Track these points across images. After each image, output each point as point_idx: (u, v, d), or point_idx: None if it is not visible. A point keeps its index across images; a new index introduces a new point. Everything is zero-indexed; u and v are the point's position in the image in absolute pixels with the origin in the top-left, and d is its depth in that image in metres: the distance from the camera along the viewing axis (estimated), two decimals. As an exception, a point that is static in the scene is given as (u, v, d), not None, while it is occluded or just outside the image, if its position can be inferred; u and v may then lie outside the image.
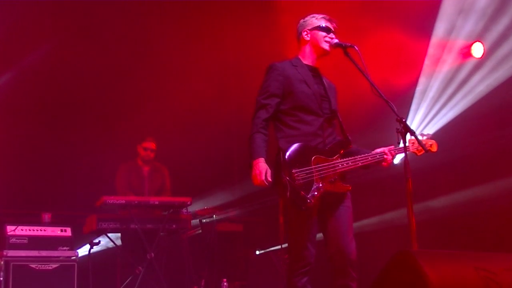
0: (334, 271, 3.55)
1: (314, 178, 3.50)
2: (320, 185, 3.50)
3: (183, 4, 7.89)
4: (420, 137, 3.79)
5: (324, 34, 3.77)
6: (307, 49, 3.83)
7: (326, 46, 3.76)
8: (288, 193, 3.43)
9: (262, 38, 7.33)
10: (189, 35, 7.99)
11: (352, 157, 3.65)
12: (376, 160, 3.71)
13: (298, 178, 3.46)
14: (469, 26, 6.39)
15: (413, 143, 3.76)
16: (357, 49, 3.62)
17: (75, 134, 7.63)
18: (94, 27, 7.55)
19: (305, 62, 3.81)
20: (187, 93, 7.87)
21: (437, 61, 6.64)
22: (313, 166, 3.52)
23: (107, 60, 7.58)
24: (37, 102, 7.42)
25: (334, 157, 3.61)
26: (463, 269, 2.33)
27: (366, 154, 3.70)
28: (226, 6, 8.09)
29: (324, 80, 3.82)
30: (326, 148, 3.62)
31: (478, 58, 6.42)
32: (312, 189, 3.47)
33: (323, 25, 3.79)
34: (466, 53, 6.53)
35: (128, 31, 7.67)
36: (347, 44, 3.68)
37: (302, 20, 3.90)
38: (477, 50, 6.42)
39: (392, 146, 3.75)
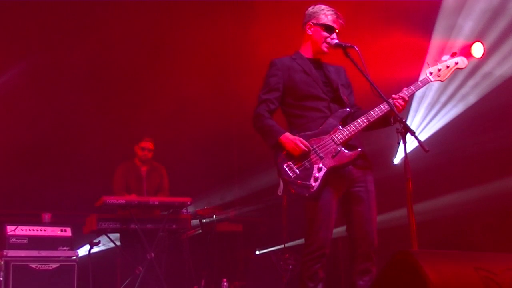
0: (357, 255, 3.55)
1: (313, 161, 3.49)
2: (321, 165, 3.48)
3: (182, 3, 7.88)
4: (440, 63, 3.63)
5: (326, 34, 3.73)
6: (308, 44, 3.81)
7: (325, 48, 3.75)
8: (282, 189, 3.45)
9: (263, 36, 7.32)
10: (189, 34, 7.98)
11: (355, 121, 3.55)
12: (385, 110, 3.53)
13: (293, 170, 3.47)
14: (469, 26, 6.39)
15: (430, 72, 3.62)
16: (357, 49, 3.61)
17: (75, 134, 7.64)
18: (93, 27, 7.55)
19: (306, 55, 3.80)
20: (187, 93, 7.87)
21: (437, 61, 6.63)
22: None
23: (107, 60, 7.58)
24: (37, 102, 7.43)
25: (332, 131, 3.56)
26: (463, 269, 2.33)
27: (370, 111, 3.54)
28: (225, 4, 8.10)
29: (326, 69, 3.80)
30: (320, 127, 3.58)
31: (478, 58, 6.42)
32: (313, 172, 3.46)
33: (329, 24, 3.74)
34: (466, 53, 6.52)
35: (127, 32, 7.67)
36: (347, 44, 3.66)
37: (310, 8, 3.83)
38: (477, 50, 6.42)
39: (404, 88, 3.62)
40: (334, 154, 3.51)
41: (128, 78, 7.86)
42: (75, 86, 7.64)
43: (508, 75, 6.05)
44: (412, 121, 6.58)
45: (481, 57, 6.39)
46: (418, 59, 6.72)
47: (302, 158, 3.49)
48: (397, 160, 6.81)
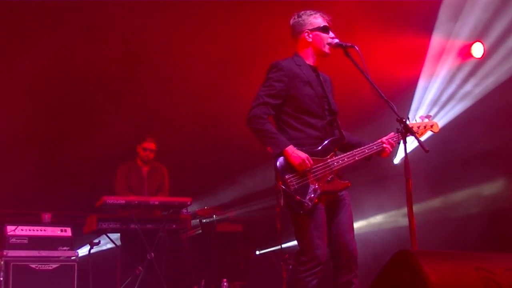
0: (338, 268, 3.57)
1: (309, 180, 3.51)
2: (316, 186, 3.51)
3: (184, 3, 7.88)
4: (419, 120, 3.84)
5: (326, 36, 3.74)
6: (309, 50, 3.79)
7: (327, 49, 3.76)
8: (283, 200, 3.46)
9: (263, 36, 7.32)
10: (189, 33, 7.98)
11: (348, 153, 3.65)
12: (375, 150, 3.71)
13: (292, 183, 3.49)
14: (469, 26, 6.39)
15: (411, 126, 3.74)
16: (357, 49, 3.61)
17: (75, 134, 7.63)
18: (95, 27, 7.55)
19: (307, 62, 3.79)
20: (187, 93, 7.87)
21: (437, 61, 6.65)
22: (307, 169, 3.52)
23: (107, 59, 7.57)
24: (37, 102, 7.42)
25: (328, 156, 3.61)
26: (463, 269, 2.33)
27: (363, 147, 3.70)
28: (228, 4, 8.10)
29: (321, 78, 3.81)
30: (319, 149, 3.61)
31: (478, 58, 6.42)
32: (309, 191, 3.49)
33: (324, 25, 3.76)
34: (466, 53, 6.53)
35: (128, 31, 7.67)
36: (348, 44, 3.67)
37: (297, 18, 3.83)
38: (477, 50, 6.42)
39: (392, 134, 3.74)
40: (329, 179, 3.57)
41: (128, 78, 7.86)
42: (75, 86, 7.64)
43: (508, 75, 6.05)
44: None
45: (481, 57, 6.40)
46: (418, 59, 6.73)
47: (301, 174, 3.51)
48: (397, 160, 6.81)
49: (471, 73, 6.43)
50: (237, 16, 7.98)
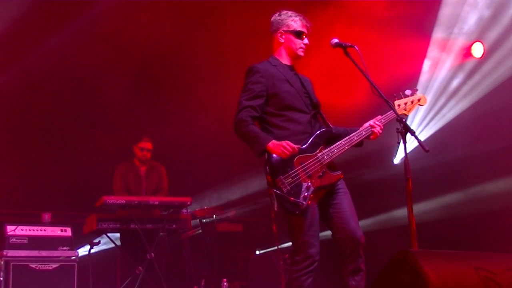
0: (346, 256, 3.54)
1: (301, 178, 3.49)
2: (309, 183, 3.49)
3: (183, 3, 7.89)
4: (404, 98, 3.81)
5: (299, 41, 3.78)
6: (283, 51, 3.84)
7: (301, 53, 3.81)
8: (276, 204, 3.44)
9: (263, 36, 7.31)
10: (188, 33, 7.98)
11: (337, 143, 3.62)
12: (364, 136, 3.68)
13: (284, 185, 3.47)
14: (469, 26, 6.39)
15: (398, 105, 3.75)
16: (357, 49, 3.62)
17: (75, 134, 7.64)
18: (95, 28, 7.55)
19: (283, 61, 3.82)
20: (187, 93, 7.86)
21: (437, 61, 6.65)
22: (297, 168, 3.50)
23: (108, 60, 7.57)
24: (37, 102, 7.42)
25: (318, 150, 3.59)
26: (463, 269, 2.33)
27: (351, 135, 3.66)
28: (227, 4, 8.11)
29: (300, 77, 3.84)
30: (307, 145, 3.59)
31: (478, 58, 6.42)
32: (302, 190, 3.47)
33: (298, 29, 3.79)
34: (466, 53, 6.53)
35: (128, 31, 7.67)
36: (347, 44, 3.67)
37: (277, 16, 3.87)
38: (477, 50, 6.42)
39: (379, 117, 3.73)
40: (321, 174, 3.54)
41: (128, 77, 7.85)
42: (75, 86, 7.64)
43: (506, 76, 6.05)
44: (412, 121, 6.58)
45: (481, 57, 6.40)
46: (418, 59, 6.73)
47: (292, 174, 3.48)
48: (397, 160, 6.81)
49: (471, 73, 6.43)
50: (238, 15, 7.97)
